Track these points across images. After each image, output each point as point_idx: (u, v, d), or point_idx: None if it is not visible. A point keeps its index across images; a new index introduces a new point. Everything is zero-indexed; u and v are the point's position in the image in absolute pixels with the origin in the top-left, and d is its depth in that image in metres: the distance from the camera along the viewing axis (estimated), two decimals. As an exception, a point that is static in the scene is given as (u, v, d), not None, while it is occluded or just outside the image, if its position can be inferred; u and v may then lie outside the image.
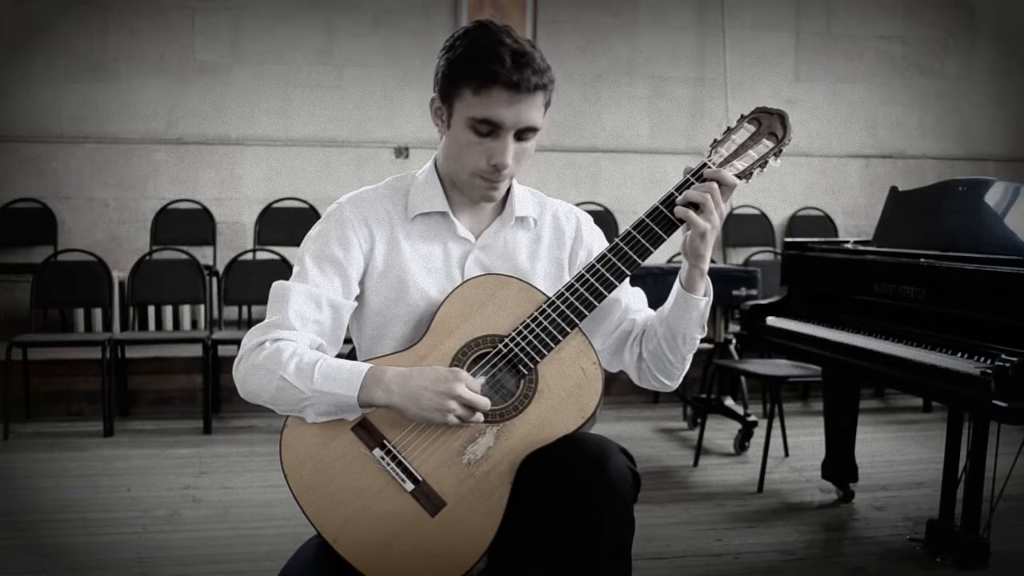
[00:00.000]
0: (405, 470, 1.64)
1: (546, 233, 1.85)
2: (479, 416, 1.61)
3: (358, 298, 1.78)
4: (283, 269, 4.96)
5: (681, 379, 1.83)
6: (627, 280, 1.87)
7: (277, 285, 1.73)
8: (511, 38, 1.66)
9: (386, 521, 1.63)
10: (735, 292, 4.28)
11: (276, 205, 6.03)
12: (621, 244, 1.70)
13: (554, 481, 1.59)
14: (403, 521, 1.63)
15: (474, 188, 1.74)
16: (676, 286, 1.76)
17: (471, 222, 1.81)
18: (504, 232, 1.81)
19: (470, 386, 1.61)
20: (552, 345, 1.67)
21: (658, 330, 1.78)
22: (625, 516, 1.59)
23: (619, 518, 1.58)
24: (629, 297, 1.88)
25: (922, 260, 2.83)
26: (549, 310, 1.68)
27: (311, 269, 1.73)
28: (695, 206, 1.67)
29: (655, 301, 1.90)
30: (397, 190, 1.81)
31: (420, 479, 1.64)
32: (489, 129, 1.66)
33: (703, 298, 1.75)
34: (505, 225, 1.81)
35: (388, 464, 1.64)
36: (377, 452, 1.65)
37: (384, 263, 1.77)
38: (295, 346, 1.65)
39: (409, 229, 1.77)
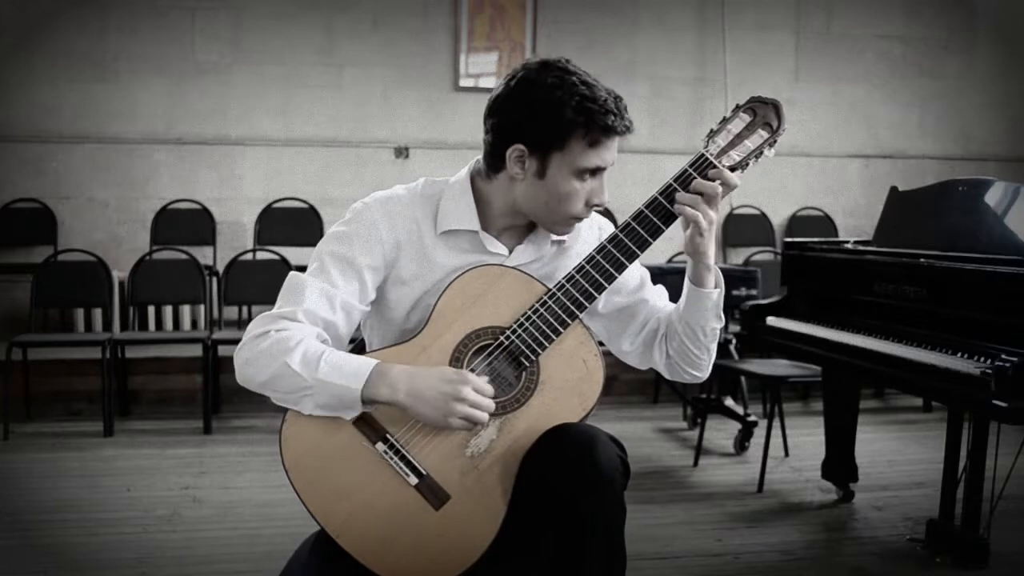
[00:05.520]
0: (409, 464, 1.64)
1: (570, 243, 1.85)
2: (484, 416, 1.60)
3: (380, 303, 1.78)
4: (283, 269, 4.96)
5: (710, 368, 1.86)
6: (648, 278, 1.89)
7: (293, 277, 1.73)
8: (591, 77, 1.68)
9: (390, 515, 1.63)
10: (735, 292, 4.28)
11: (276, 205, 6.03)
12: (620, 235, 1.71)
13: (543, 469, 1.60)
14: (407, 515, 1.63)
15: (563, 226, 1.76)
16: (686, 283, 1.78)
17: (503, 240, 1.80)
18: (539, 251, 1.81)
19: (478, 388, 1.60)
20: (553, 337, 1.68)
21: (678, 328, 1.80)
22: (614, 500, 1.59)
23: (609, 502, 1.58)
24: (654, 296, 1.89)
25: (922, 260, 2.83)
26: (550, 301, 1.69)
27: (331, 268, 1.71)
28: (704, 200, 1.68)
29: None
30: (428, 199, 1.78)
31: (424, 473, 1.64)
32: (593, 173, 1.69)
33: (714, 290, 1.76)
34: (541, 247, 1.81)
35: (391, 458, 1.64)
36: (380, 446, 1.64)
37: (413, 275, 1.75)
38: (302, 335, 1.64)
39: (438, 243, 1.76)
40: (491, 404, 1.61)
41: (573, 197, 1.69)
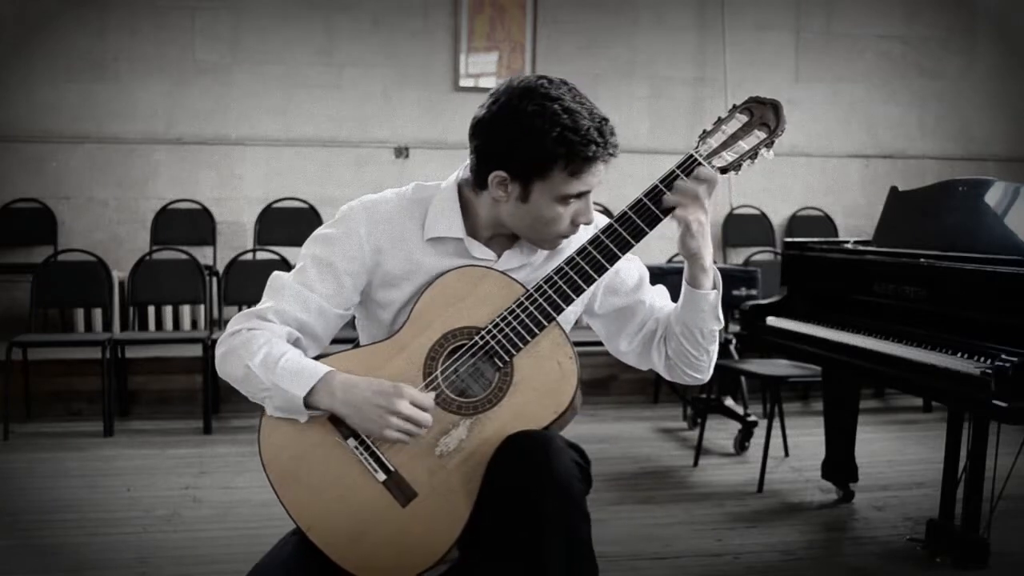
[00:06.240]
0: (378, 460, 1.66)
1: (563, 244, 1.83)
2: (419, 429, 1.62)
3: (369, 305, 1.80)
4: (283, 269, 4.94)
5: (711, 370, 1.84)
6: (647, 278, 1.88)
7: (275, 276, 1.76)
8: (577, 101, 1.63)
9: (358, 511, 1.66)
10: (735, 292, 4.28)
11: (276, 205, 6.03)
12: (602, 237, 1.70)
13: (503, 474, 1.60)
14: (375, 511, 1.65)
15: (550, 244, 1.75)
16: (683, 284, 1.76)
17: (491, 246, 1.79)
18: (528, 255, 1.80)
19: (416, 401, 1.62)
20: (528, 338, 1.68)
21: (676, 330, 1.79)
22: (574, 503, 1.58)
23: (569, 505, 1.57)
24: (652, 296, 1.88)
25: (922, 260, 2.83)
26: (527, 303, 1.68)
27: (311, 270, 1.74)
28: (688, 201, 1.68)
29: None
30: (417, 203, 1.77)
31: (392, 469, 1.66)
32: (577, 196, 1.67)
33: (711, 291, 1.75)
34: (531, 251, 1.80)
35: (361, 454, 1.66)
36: (351, 442, 1.66)
37: (401, 278, 1.76)
38: (268, 335, 1.68)
39: (426, 248, 1.76)
40: (428, 418, 1.62)
41: (557, 220, 1.69)
